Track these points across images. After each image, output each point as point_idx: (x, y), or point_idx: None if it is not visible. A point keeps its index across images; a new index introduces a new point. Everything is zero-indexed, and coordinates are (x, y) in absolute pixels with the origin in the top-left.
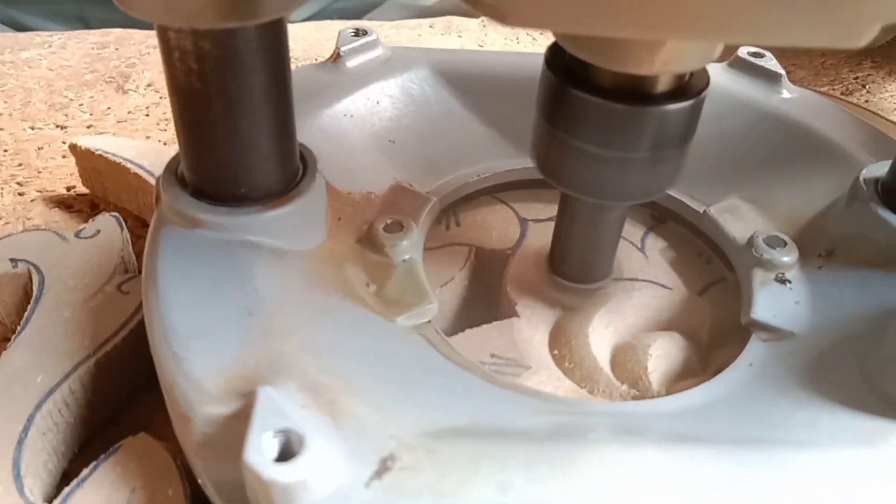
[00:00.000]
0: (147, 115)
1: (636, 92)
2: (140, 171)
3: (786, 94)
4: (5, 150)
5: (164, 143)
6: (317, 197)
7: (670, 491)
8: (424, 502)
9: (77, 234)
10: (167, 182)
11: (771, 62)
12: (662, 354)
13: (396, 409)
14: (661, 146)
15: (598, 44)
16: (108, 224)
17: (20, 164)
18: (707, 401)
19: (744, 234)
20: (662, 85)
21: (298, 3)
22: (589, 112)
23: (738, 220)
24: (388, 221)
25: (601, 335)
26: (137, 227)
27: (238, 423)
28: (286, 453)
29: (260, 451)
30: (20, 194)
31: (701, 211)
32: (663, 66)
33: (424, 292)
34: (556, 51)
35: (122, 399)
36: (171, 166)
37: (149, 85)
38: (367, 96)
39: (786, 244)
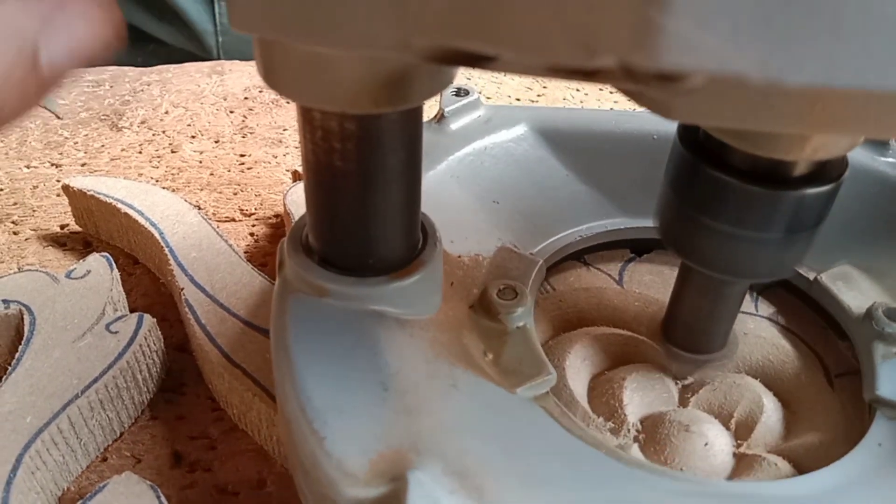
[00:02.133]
0: (140, 153)
1: (775, 175)
2: (130, 211)
3: (892, 160)
4: (1, 189)
5: (156, 181)
6: (437, 265)
7: None
8: None
9: (68, 275)
10: (293, 249)
11: None
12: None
13: (538, 493)
14: (794, 229)
15: (744, 130)
16: (98, 264)
17: (15, 203)
18: (840, 482)
19: (859, 304)
20: (801, 168)
21: (442, 89)
22: (724, 192)
23: (852, 288)
24: (501, 287)
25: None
26: (128, 264)
27: None
28: None
29: None
30: (15, 233)
31: (811, 278)
32: (812, 154)
33: (542, 362)
34: (688, 126)
35: (110, 437)
36: (296, 233)
37: (142, 122)
38: (471, 156)
39: None
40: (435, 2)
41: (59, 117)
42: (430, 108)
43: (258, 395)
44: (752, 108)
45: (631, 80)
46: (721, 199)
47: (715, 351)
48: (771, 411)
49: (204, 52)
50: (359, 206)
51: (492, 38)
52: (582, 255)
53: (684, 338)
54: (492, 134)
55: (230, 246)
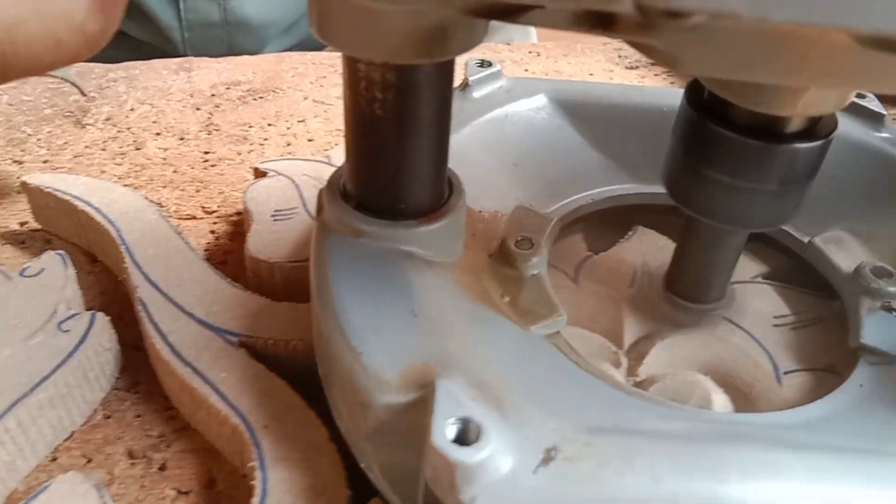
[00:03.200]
0: (103, 150)
1: (771, 130)
2: (87, 208)
3: (886, 134)
4: None
5: (119, 178)
6: (460, 214)
7: (815, 492)
8: (586, 488)
9: (21, 273)
10: (331, 195)
11: (874, 102)
12: None
13: (552, 408)
14: (788, 181)
15: (743, 87)
16: (52, 262)
17: None
18: (824, 415)
19: (848, 264)
20: (795, 125)
21: (476, 44)
22: (726, 146)
23: (843, 250)
24: (519, 238)
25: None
26: (87, 262)
27: (414, 412)
28: (464, 439)
29: (444, 436)
30: None
31: (805, 241)
32: (803, 110)
33: (554, 305)
34: (695, 88)
35: (61, 437)
36: (334, 182)
37: (107, 119)
38: (492, 123)
39: (892, 275)
40: None
41: (83, 94)
42: (457, 78)
43: (209, 394)
44: (750, 57)
45: (644, 21)
46: (722, 152)
47: (713, 301)
48: (719, 408)
49: (170, 46)
50: (394, 154)
51: None
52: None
53: (686, 287)
54: (512, 103)
55: (187, 244)
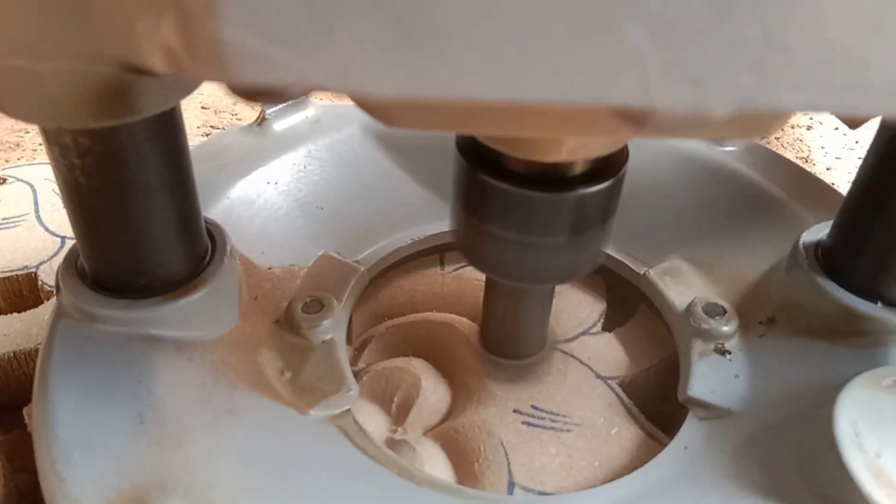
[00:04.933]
0: None
1: (551, 177)
2: None
3: (729, 147)
4: None
5: None
6: (228, 279)
7: None
8: None
9: None
10: (66, 273)
11: None
12: None
13: None
14: (581, 229)
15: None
16: None
17: None
18: (640, 491)
19: (683, 301)
20: (578, 168)
21: (183, 96)
22: (503, 200)
23: (679, 283)
24: (308, 300)
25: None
26: None
27: None
28: None
29: None
30: None
31: (641, 273)
32: (571, 155)
33: (342, 377)
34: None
35: None
36: (71, 256)
37: None
38: (293, 161)
39: (725, 312)
40: (114, 18)
41: None
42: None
43: None
44: (460, 115)
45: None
46: (502, 206)
47: (531, 355)
48: (430, 393)
49: None
50: (115, 225)
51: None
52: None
53: (499, 344)
54: (319, 135)
55: None
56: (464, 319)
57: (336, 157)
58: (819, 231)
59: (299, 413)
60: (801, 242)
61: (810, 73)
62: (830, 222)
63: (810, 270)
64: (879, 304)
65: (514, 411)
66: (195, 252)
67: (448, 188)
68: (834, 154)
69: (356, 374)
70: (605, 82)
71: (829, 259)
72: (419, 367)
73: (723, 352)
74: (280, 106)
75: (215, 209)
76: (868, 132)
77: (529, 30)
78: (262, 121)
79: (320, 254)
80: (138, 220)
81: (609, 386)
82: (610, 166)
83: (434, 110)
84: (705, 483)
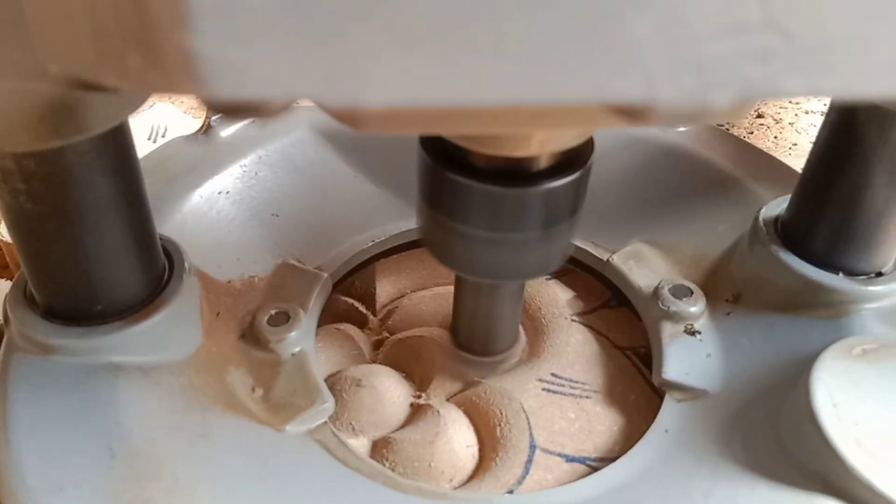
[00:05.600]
0: None
1: (517, 172)
2: None
3: (681, 127)
4: None
5: None
6: (188, 298)
7: None
8: None
9: None
10: (14, 302)
11: None
12: None
13: None
14: (551, 223)
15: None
16: None
17: None
18: (628, 478)
19: (649, 283)
20: (544, 161)
21: (132, 110)
22: (469, 196)
23: (643, 266)
24: (273, 312)
25: None
26: None
27: None
28: None
29: None
30: None
31: (605, 259)
32: (542, 148)
33: (316, 390)
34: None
35: None
36: (20, 283)
37: None
38: (243, 168)
39: (692, 293)
40: (61, 32)
41: None
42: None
43: None
44: (438, 116)
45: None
46: (468, 203)
47: (503, 351)
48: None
49: None
50: (65, 250)
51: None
52: (377, 260)
53: (470, 341)
54: (268, 140)
55: None
56: None
57: (287, 161)
58: (777, 206)
59: (275, 430)
60: (760, 218)
61: (811, 57)
62: (788, 197)
63: (771, 245)
64: (840, 274)
65: (537, 379)
66: (152, 272)
67: (404, 186)
68: None
69: (379, 344)
70: (608, 79)
71: (789, 233)
72: (441, 336)
73: (692, 332)
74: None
75: (167, 224)
76: None
77: (530, 27)
78: (207, 129)
79: (279, 263)
80: (91, 244)
81: (626, 356)
82: (578, 157)
83: (412, 114)
84: (690, 464)
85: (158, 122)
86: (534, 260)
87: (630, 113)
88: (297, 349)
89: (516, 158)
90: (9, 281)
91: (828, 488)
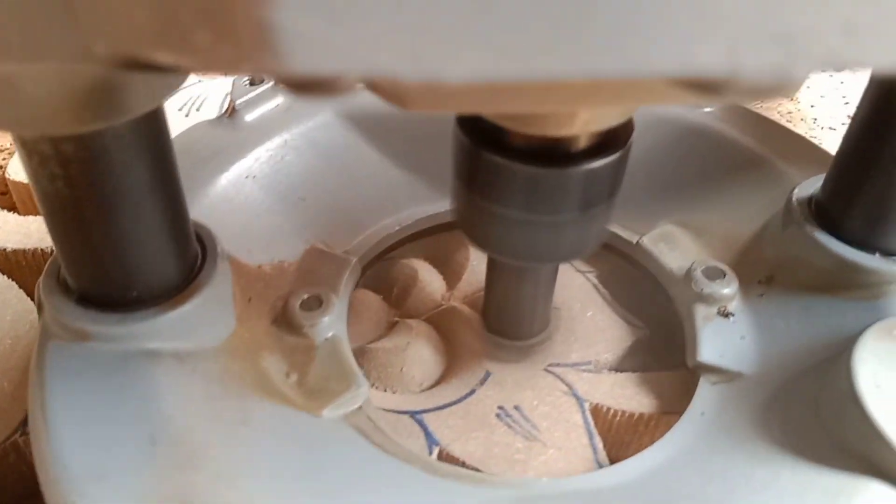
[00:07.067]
0: None
1: (557, 153)
2: None
3: (708, 108)
4: None
5: None
6: (221, 284)
7: None
8: None
9: None
10: (48, 289)
11: None
12: None
13: None
14: (589, 205)
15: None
16: None
17: None
18: (666, 461)
19: (681, 265)
20: (584, 141)
21: (172, 91)
22: (507, 177)
23: (674, 249)
24: (305, 297)
25: None
26: None
27: None
28: None
29: None
30: None
31: (634, 241)
32: (584, 127)
33: (351, 374)
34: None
35: None
36: (52, 270)
37: None
38: (269, 152)
39: (725, 275)
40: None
41: None
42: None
43: None
44: (489, 93)
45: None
46: (506, 184)
47: (532, 337)
48: (426, 283)
49: None
50: (101, 236)
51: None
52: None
53: (502, 326)
54: (293, 124)
55: None
56: None
57: (313, 145)
58: (811, 186)
59: (312, 416)
60: (794, 198)
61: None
62: (821, 176)
63: (806, 225)
64: (877, 254)
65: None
66: (186, 257)
67: (431, 170)
68: None
69: (362, 272)
70: (691, 49)
71: (823, 213)
72: (417, 263)
73: (726, 314)
74: (249, 96)
75: (195, 209)
76: None
77: None
78: (232, 112)
79: (308, 247)
80: (128, 229)
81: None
82: (618, 138)
83: (466, 90)
84: (728, 447)
85: (193, 95)
86: (570, 242)
87: (707, 87)
88: (331, 334)
89: (555, 138)
90: (16, 214)
91: (871, 469)
